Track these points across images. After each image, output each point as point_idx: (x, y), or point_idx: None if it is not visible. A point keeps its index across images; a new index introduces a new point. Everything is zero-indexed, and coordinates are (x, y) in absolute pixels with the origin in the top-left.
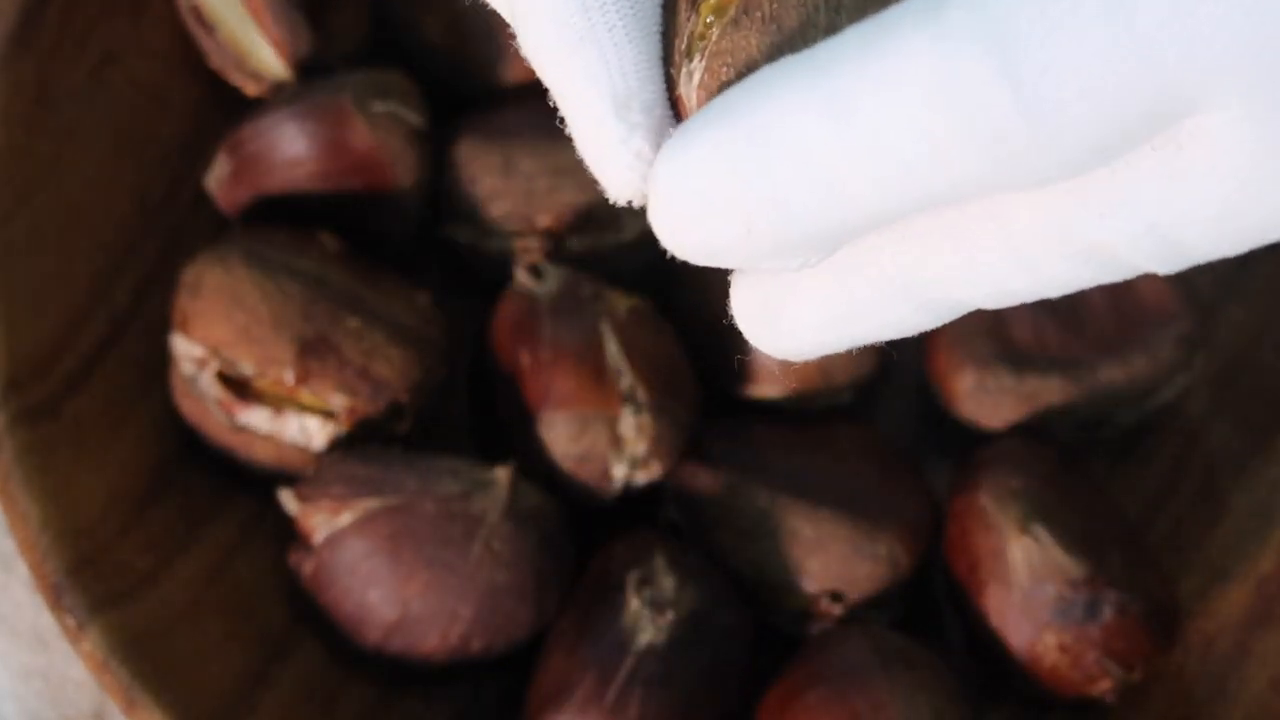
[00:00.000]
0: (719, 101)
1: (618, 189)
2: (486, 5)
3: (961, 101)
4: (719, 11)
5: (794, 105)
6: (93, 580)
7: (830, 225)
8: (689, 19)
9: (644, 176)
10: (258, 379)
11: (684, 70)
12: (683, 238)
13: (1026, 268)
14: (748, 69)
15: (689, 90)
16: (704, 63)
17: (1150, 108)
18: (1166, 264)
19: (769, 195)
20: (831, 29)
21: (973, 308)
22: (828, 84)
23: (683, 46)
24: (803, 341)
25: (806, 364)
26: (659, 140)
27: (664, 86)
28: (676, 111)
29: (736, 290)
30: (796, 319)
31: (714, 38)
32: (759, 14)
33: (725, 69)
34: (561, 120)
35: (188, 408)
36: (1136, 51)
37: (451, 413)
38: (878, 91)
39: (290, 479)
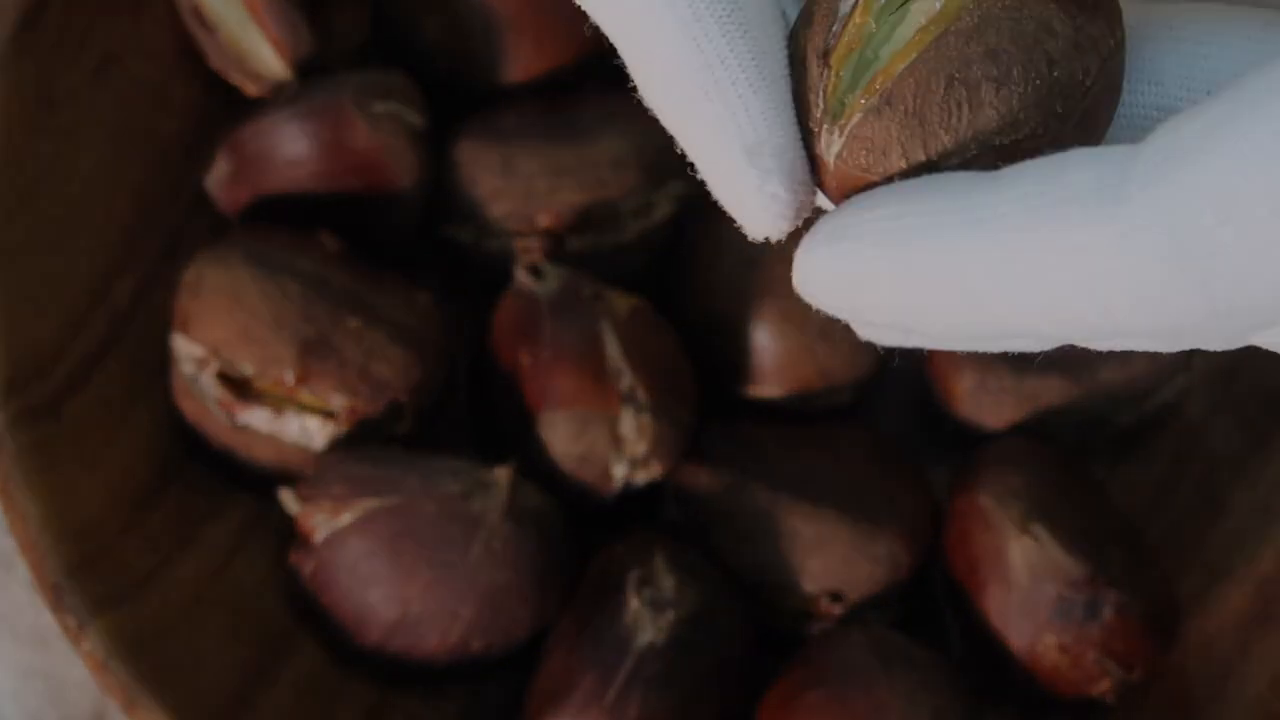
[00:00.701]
0: (872, 215)
1: (757, 230)
2: (490, 6)
3: (1141, 286)
4: (844, 63)
5: (959, 249)
6: (93, 580)
7: (988, 341)
8: (822, 74)
9: (782, 216)
10: (258, 379)
11: (824, 129)
12: (836, 314)
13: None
14: (885, 157)
15: (829, 156)
16: (844, 139)
17: None
18: None
19: (932, 319)
20: (971, 128)
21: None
22: (997, 238)
23: (819, 103)
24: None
25: (806, 364)
26: (792, 182)
27: (794, 130)
28: (815, 169)
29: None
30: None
31: (856, 120)
32: (902, 108)
33: (865, 154)
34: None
35: (188, 408)
36: None
37: (451, 413)
38: (1053, 260)
39: (290, 479)
